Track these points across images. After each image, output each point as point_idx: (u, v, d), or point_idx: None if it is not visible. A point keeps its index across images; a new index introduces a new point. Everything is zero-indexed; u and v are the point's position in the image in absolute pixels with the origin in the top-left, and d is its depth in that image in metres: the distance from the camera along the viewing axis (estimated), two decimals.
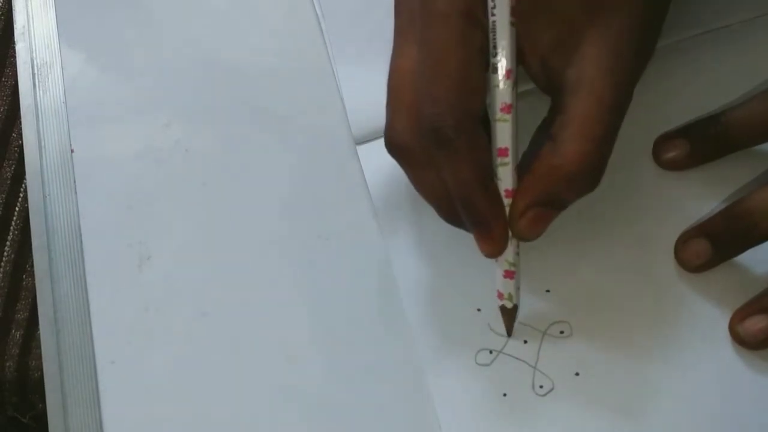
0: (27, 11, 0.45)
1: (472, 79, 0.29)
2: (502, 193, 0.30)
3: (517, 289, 0.33)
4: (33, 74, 0.43)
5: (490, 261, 0.32)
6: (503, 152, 0.30)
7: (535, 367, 0.33)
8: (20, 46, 0.44)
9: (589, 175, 0.29)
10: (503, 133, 0.30)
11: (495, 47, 0.29)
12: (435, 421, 0.33)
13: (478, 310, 0.34)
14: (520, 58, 0.30)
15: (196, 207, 0.38)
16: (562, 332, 0.34)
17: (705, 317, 0.33)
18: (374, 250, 0.36)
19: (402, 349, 0.34)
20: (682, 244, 0.34)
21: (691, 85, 0.37)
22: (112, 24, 0.44)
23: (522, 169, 0.31)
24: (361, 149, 0.38)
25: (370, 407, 0.34)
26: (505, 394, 0.33)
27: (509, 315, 0.33)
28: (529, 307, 0.34)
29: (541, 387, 0.33)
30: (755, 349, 0.33)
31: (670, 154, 0.35)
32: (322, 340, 0.35)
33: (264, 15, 0.43)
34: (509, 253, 0.31)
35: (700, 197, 0.35)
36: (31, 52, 0.44)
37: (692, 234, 0.34)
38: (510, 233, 0.31)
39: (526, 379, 0.33)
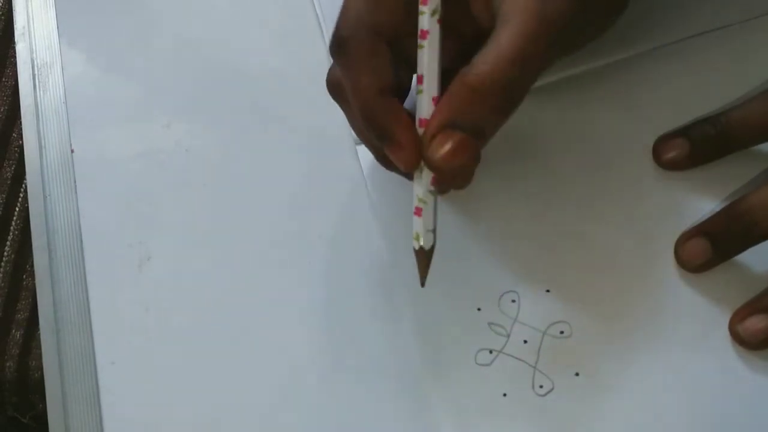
0: (27, 11, 0.45)
1: None
2: (417, 122, 0.30)
3: (431, 230, 0.31)
4: (33, 74, 0.43)
5: (491, 261, 0.32)
6: (419, 80, 0.30)
7: (535, 367, 0.33)
8: (20, 47, 0.44)
9: (499, 91, 0.28)
10: (420, 60, 0.30)
11: None
12: (435, 422, 0.33)
13: (478, 309, 0.34)
14: (467, 7, 0.31)
15: (196, 207, 0.38)
16: (562, 332, 0.34)
17: (705, 317, 0.33)
18: (374, 250, 0.36)
19: (402, 349, 0.34)
20: (682, 243, 0.34)
21: (691, 85, 0.37)
22: (113, 24, 0.44)
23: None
24: (361, 149, 0.38)
25: (370, 407, 0.34)
26: (505, 394, 0.33)
27: (420, 259, 0.31)
28: (529, 307, 0.34)
29: (541, 387, 0.33)
30: (755, 349, 0.33)
31: (671, 155, 0.35)
32: (321, 339, 0.35)
33: (264, 15, 0.43)
34: (419, 187, 0.30)
35: (700, 197, 0.35)
36: (32, 53, 0.44)
37: (692, 234, 0.34)
38: (422, 164, 0.30)
39: (526, 379, 0.33)
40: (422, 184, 0.30)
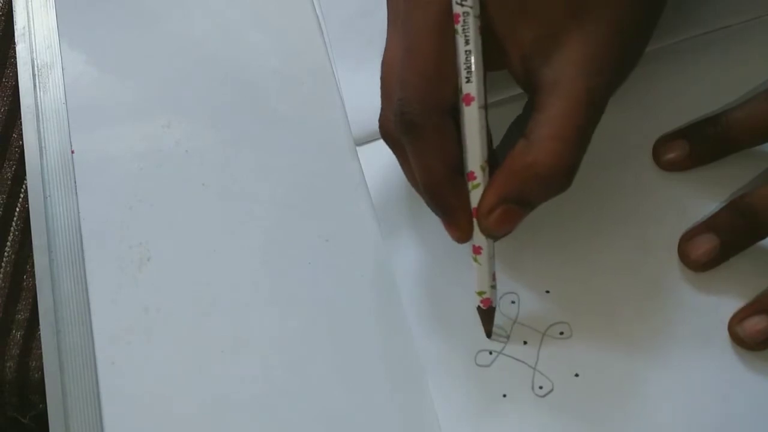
0: (27, 12, 0.45)
1: (443, 67, 0.29)
2: (466, 176, 0.30)
3: (493, 287, 0.32)
4: (33, 75, 0.43)
5: None
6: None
7: (534, 368, 0.33)
8: (21, 47, 0.44)
9: (560, 175, 0.29)
10: (466, 126, 0.30)
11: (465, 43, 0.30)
12: (435, 422, 0.33)
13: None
14: (502, 57, 0.30)
15: (196, 208, 0.38)
16: (561, 333, 0.34)
17: (704, 318, 0.33)
18: (374, 250, 0.36)
19: (402, 349, 0.34)
20: (687, 241, 0.34)
21: (691, 86, 0.37)
22: (113, 25, 0.44)
23: (492, 164, 0.30)
24: (361, 149, 0.38)
25: (371, 407, 0.34)
26: (504, 395, 0.33)
27: (485, 316, 0.33)
28: (528, 308, 0.34)
29: (540, 388, 0.33)
30: (754, 350, 0.33)
31: (671, 155, 0.35)
32: (321, 340, 0.35)
33: (264, 15, 0.43)
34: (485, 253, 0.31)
35: (700, 198, 0.35)
36: (32, 53, 0.44)
37: (699, 230, 0.34)
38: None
39: (526, 380, 0.33)
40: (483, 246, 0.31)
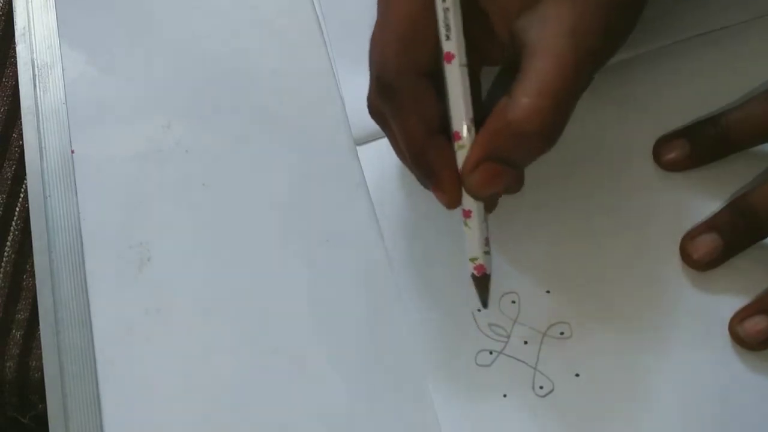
0: (28, 12, 0.45)
1: (418, 29, 0.29)
2: (452, 136, 0.30)
3: (486, 253, 0.31)
4: (34, 75, 0.43)
5: (491, 262, 0.32)
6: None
7: (535, 368, 0.33)
8: (21, 47, 0.44)
9: (542, 132, 0.28)
10: (448, 83, 0.30)
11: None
12: (435, 422, 0.33)
13: (479, 310, 0.34)
14: (486, 20, 0.30)
15: (196, 208, 0.38)
16: (562, 333, 0.34)
17: (705, 318, 0.33)
18: (374, 251, 0.36)
19: (402, 349, 0.34)
20: (689, 241, 0.34)
21: (691, 86, 0.37)
22: (113, 25, 0.44)
23: (477, 123, 0.30)
24: (361, 149, 0.38)
25: (371, 408, 0.34)
26: (505, 395, 0.33)
27: (480, 283, 0.32)
28: (529, 307, 0.34)
29: (541, 388, 0.33)
30: (755, 350, 0.33)
31: (671, 155, 0.35)
32: (321, 340, 0.35)
33: (264, 15, 0.43)
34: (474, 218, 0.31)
35: (701, 198, 0.35)
36: (32, 53, 0.44)
37: (701, 230, 0.34)
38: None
39: (527, 380, 0.33)
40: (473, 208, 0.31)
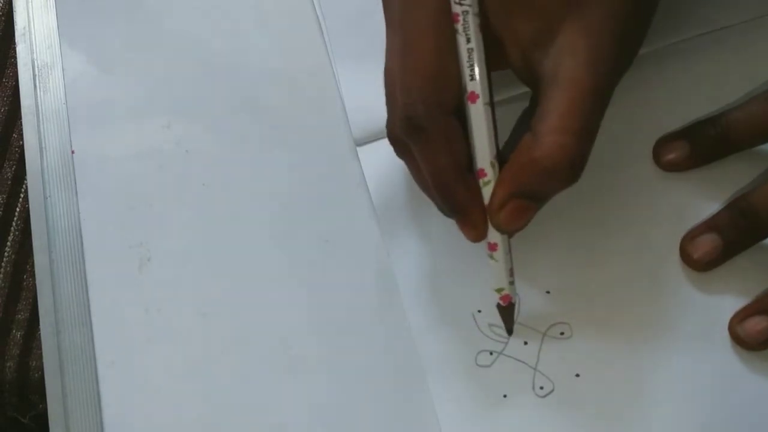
0: (28, 12, 0.45)
1: (444, 67, 0.29)
2: (477, 174, 0.30)
3: (511, 283, 0.32)
4: (34, 75, 0.43)
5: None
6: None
7: (535, 369, 0.33)
8: (21, 47, 0.44)
9: (568, 168, 0.29)
10: (471, 121, 0.30)
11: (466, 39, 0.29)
12: (435, 423, 0.33)
13: (479, 311, 0.34)
14: (502, 53, 0.30)
15: (196, 208, 0.38)
16: (562, 333, 0.34)
17: (705, 318, 0.33)
18: (374, 251, 0.36)
19: (402, 350, 0.34)
20: (689, 241, 0.34)
21: (691, 86, 0.37)
22: (113, 25, 0.44)
23: (501, 159, 0.30)
24: (361, 150, 0.38)
25: (371, 408, 0.34)
26: (505, 396, 0.33)
27: (506, 313, 0.33)
28: (529, 308, 0.34)
29: (541, 388, 0.33)
30: (755, 350, 0.33)
31: (671, 156, 0.35)
32: (322, 340, 0.35)
33: (264, 15, 0.43)
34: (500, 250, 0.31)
35: (700, 198, 0.35)
36: (32, 53, 0.44)
37: (701, 230, 0.34)
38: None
39: (527, 381, 0.33)
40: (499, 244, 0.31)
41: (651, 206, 0.35)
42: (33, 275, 0.49)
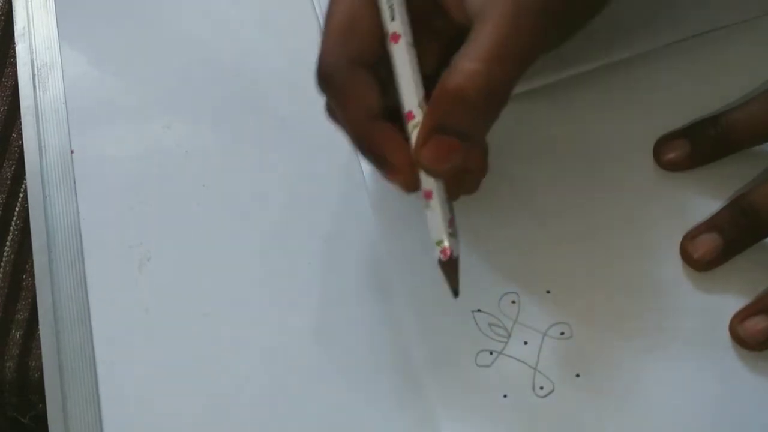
0: (27, 12, 0.45)
1: (355, 19, 0.30)
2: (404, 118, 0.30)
3: (452, 235, 0.30)
4: (33, 75, 0.43)
5: (491, 262, 0.32)
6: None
7: (535, 369, 0.33)
8: (20, 47, 0.44)
9: (482, 95, 0.28)
10: (394, 65, 0.30)
11: None
12: (435, 423, 0.33)
13: (479, 310, 0.34)
14: (443, 7, 0.30)
15: (196, 208, 0.38)
16: (562, 333, 0.34)
17: (706, 318, 0.33)
18: (374, 250, 0.36)
19: (402, 349, 0.34)
20: (689, 240, 0.34)
21: (691, 86, 0.37)
22: (113, 25, 0.44)
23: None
24: None
25: (371, 408, 0.34)
26: (505, 396, 0.33)
27: (448, 269, 0.31)
28: (529, 308, 0.34)
29: (541, 388, 0.33)
30: (755, 350, 0.33)
31: (671, 155, 0.35)
32: (321, 340, 0.35)
33: (264, 15, 0.43)
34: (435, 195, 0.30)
35: (701, 198, 0.35)
36: (32, 53, 0.44)
37: (701, 229, 0.34)
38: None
39: (527, 381, 0.33)
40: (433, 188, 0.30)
41: (651, 206, 0.35)
42: (32, 275, 0.49)
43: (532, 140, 0.37)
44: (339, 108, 0.31)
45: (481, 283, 0.34)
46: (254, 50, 0.42)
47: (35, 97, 0.42)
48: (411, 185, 0.30)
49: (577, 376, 0.33)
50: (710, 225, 0.34)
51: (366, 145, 0.30)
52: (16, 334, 0.49)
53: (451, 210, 0.30)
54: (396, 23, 0.29)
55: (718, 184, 0.35)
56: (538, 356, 0.33)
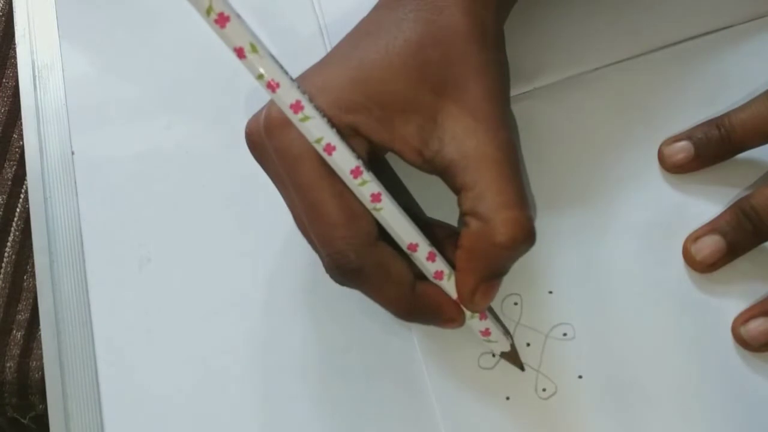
0: (28, 13, 0.45)
1: (350, 206, 0.29)
2: (432, 278, 0.30)
3: (506, 334, 0.33)
4: (34, 76, 0.43)
5: None
6: (412, 247, 0.30)
7: (538, 370, 0.33)
8: (21, 48, 0.44)
9: (525, 238, 0.29)
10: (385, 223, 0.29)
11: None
12: (437, 425, 0.33)
13: None
14: (403, 159, 0.30)
15: (196, 209, 0.38)
16: (565, 335, 0.34)
17: (708, 319, 0.33)
18: None
19: (404, 351, 0.34)
20: (692, 242, 0.34)
21: (693, 87, 0.37)
22: (113, 25, 0.43)
23: (446, 247, 0.31)
24: None
25: (372, 409, 0.34)
26: (508, 398, 0.33)
27: (509, 356, 0.33)
28: (531, 309, 0.34)
29: (544, 390, 0.33)
30: (758, 352, 0.33)
31: (676, 158, 0.35)
32: (323, 342, 0.35)
33: (264, 15, 0.43)
34: (476, 321, 0.32)
35: (705, 199, 0.35)
36: (32, 54, 0.44)
37: (704, 231, 0.34)
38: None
39: (529, 383, 0.33)
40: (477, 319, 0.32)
41: (655, 207, 0.35)
42: (33, 276, 0.49)
43: (533, 142, 0.37)
44: (378, 293, 0.31)
45: None
46: None
47: (36, 98, 0.42)
48: (463, 323, 0.32)
49: (580, 377, 0.33)
50: (713, 227, 0.34)
51: (419, 315, 0.31)
52: (17, 334, 0.49)
53: (496, 316, 0.33)
54: (372, 185, 0.29)
55: (722, 186, 0.35)
56: (541, 358, 0.33)
